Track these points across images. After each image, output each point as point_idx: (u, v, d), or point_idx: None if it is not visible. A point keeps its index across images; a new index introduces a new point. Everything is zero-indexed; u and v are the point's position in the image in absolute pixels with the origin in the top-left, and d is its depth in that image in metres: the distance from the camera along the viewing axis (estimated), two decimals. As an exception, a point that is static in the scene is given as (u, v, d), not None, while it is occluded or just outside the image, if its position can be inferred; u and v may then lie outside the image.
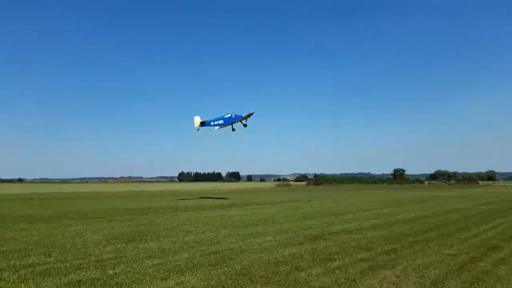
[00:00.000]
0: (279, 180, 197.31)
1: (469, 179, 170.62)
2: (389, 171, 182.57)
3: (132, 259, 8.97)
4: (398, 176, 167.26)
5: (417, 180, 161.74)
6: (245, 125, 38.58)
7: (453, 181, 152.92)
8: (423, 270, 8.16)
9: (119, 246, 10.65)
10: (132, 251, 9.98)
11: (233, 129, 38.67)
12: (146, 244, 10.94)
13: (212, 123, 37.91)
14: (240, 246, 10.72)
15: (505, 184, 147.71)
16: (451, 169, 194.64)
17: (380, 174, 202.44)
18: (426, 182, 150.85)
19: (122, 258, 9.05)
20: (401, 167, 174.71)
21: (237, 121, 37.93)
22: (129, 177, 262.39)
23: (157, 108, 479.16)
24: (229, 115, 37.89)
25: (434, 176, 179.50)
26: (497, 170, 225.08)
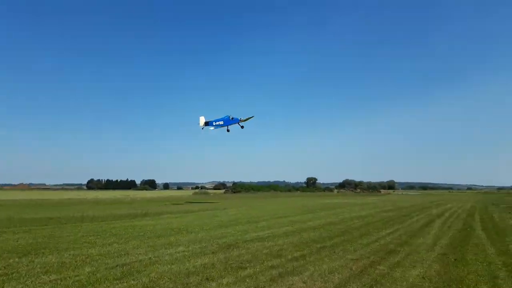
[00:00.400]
0: (197, 188, 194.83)
1: (372, 187, 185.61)
2: (303, 179, 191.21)
3: (25, 275, 8.12)
4: (311, 184, 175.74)
5: (328, 188, 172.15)
6: (242, 127, 41.02)
7: (358, 190, 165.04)
8: (328, 275, 8.60)
9: (11, 261, 9.59)
10: (27, 266, 9.04)
11: (228, 130, 41.33)
12: (43, 258, 9.96)
13: (214, 123, 40.54)
14: (150, 258, 10.28)
15: (403, 193, 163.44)
16: (357, 178, 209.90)
17: (295, 182, 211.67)
18: (336, 190, 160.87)
19: (14, 274, 8.17)
20: (313, 176, 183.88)
21: (235, 123, 40.46)
22: (30, 184, 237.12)
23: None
24: (228, 117, 40.30)
25: (342, 185, 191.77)
26: (396, 180, 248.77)
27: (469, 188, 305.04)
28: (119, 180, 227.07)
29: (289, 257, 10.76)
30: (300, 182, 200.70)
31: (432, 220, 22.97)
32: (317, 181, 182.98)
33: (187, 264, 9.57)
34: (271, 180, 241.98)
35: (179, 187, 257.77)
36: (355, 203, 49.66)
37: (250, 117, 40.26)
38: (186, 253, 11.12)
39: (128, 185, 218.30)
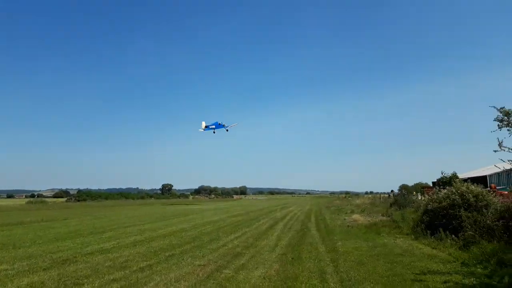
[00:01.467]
0: (32, 196, 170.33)
1: (226, 193, 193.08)
2: (158, 186, 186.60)
3: None
4: (166, 191, 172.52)
5: (183, 194, 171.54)
6: (227, 130, 55.59)
7: (213, 196, 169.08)
8: (174, 284, 8.41)
9: None
10: None
11: (214, 132, 54.59)
12: None
13: (210, 127, 53.33)
14: (-45, 282, 8.41)
15: (253, 197, 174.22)
16: (212, 184, 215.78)
17: (149, 189, 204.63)
18: (191, 197, 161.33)
19: None
20: (169, 182, 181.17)
21: (221, 128, 54.18)
22: None
23: None
24: (217, 122, 54.05)
25: (198, 191, 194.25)
26: (248, 185, 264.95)
27: (308, 192, 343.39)
28: None
29: (135, 268, 10.19)
30: (155, 189, 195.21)
31: (276, 223, 24.99)
32: (173, 188, 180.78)
33: (10, 285, 8.18)
34: (123, 187, 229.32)
35: (9, 195, 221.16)
36: (209, 208, 50.71)
37: (235, 124, 55.85)
38: (10, 272, 9.55)
39: None
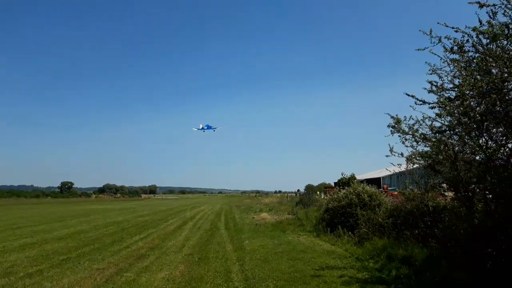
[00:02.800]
0: None
1: (134, 192, 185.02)
2: (57, 183, 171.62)
3: None
4: (66, 189, 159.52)
5: (85, 193, 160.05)
6: (213, 130, 74.80)
7: (119, 195, 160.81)
8: (67, 290, 7.71)
9: None
10: None
11: (204, 131, 72.83)
12: None
13: (203, 128, 71.45)
14: None
15: (163, 197, 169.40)
16: (119, 183, 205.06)
17: (46, 187, 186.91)
18: (94, 196, 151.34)
19: None
20: (69, 180, 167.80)
21: (210, 129, 72.86)
22: None
23: None
24: (208, 125, 72.06)
25: (102, 190, 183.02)
26: (158, 184, 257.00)
27: (220, 192, 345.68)
28: None
29: (21, 274, 9.19)
30: (53, 187, 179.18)
31: (185, 223, 24.56)
32: (73, 186, 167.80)
33: None
34: (15, 184, 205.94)
35: None
36: (113, 208, 47.99)
37: (220, 127, 78.66)
38: None
39: None
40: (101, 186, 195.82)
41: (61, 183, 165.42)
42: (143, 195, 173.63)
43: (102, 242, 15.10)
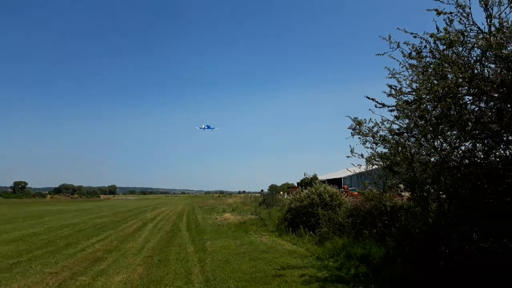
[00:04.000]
0: None
1: (92, 193, 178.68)
2: (9, 183, 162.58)
3: None
4: (19, 189, 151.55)
5: (39, 193, 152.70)
6: (212, 129, 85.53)
7: (76, 195, 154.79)
8: (15, 297, 7.27)
9: None
10: None
11: (204, 130, 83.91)
12: None
13: (204, 127, 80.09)
14: None
15: (123, 198, 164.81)
16: (76, 183, 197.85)
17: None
18: (49, 196, 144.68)
19: None
20: (23, 180, 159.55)
21: (210, 129, 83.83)
22: None
23: None
24: (208, 125, 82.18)
25: (59, 190, 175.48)
26: (118, 184, 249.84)
27: (183, 192, 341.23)
28: None
29: (-36, 281, 8.59)
30: (5, 187, 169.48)
31: (145, 224, 23.96)
32: (27, 186, 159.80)
33: None
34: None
35: None
36: (69, 209, 46.10)
37: (217, 128, 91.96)
38: None
39: None
40: (57, 186, 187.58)
41: (14, 182, 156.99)
42: (102, 196, 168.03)
43: (56, 245, 14.42)
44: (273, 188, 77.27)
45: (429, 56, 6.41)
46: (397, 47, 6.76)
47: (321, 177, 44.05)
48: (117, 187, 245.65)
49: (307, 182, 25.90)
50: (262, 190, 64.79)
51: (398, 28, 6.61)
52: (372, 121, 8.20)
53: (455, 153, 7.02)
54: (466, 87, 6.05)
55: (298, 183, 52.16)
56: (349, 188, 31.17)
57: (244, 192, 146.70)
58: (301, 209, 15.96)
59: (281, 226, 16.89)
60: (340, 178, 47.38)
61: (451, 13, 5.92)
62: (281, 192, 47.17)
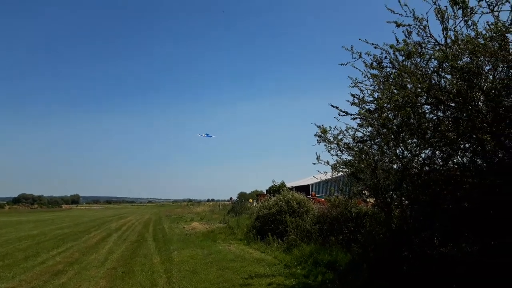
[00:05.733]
0: None
1: (54, 203, 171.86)
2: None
3: None
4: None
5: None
6: (210, 137, 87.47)
7: (36, 205, 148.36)
8: (-35, 316, 6.85)
9: None
10: None
11: (203, 137, 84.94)
12: None
13: (204, 135, 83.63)
14: None
15: (86, 207, 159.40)
16: (37, 192, 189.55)
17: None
18: (7, 207, 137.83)
19: None
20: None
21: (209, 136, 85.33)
22: None
23: None
24: (207, 133, 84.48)
25: (18, 200, 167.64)
26: (81, 194, 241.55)
27: (150, 201, 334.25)
28: None
29: None
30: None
31: (110, 234, 23.26)
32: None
33: None
34: None
35: None
36: (29, 220, 44.09)
37: (214, 136, 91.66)
38: None
39: None
40: (16, 196, 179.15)
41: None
42: (64, 206, 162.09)
43: (14, 257, 13.75)
44: (242, 195, 77.00)
45: (389, 67, 6.63)
46: (359, 57, 6.95)
47: (290, 184, 44.41)
48: (80, 196, 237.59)
49: (276, 190, 26.01)
50: (231, 198, 64.50)
51: (359, 39, 6.80)
52: (337, 129, 8.37)
53: (415, 160, 7.26)
54: (425, 97, 6.29)
55: (267, 191, 52.32)
56: (317, 195, 31.61)
57: (213, 200, 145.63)
58: (270, 217, 16.00)
59: (250, 234, 16.84)
60: (308, 185, 47.92)
61: (409, 25, 6.15)
62: (250, 200, 47.06)
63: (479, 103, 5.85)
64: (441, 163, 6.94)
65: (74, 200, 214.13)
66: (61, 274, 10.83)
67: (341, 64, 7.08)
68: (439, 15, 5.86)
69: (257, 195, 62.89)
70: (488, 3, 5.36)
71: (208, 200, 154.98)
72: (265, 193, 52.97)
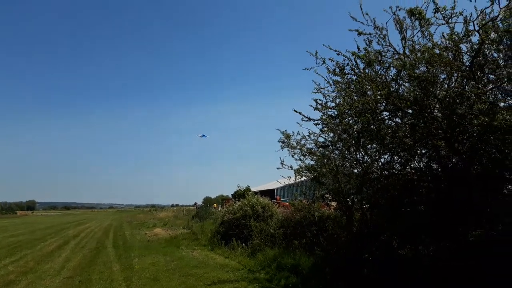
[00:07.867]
0: None
1: (8, 209, 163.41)
2: None
3: None
4: None
5: None
6: (206, 137, 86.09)
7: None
8: None
9: None
10: None
11: (200, 137, 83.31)
12: None
13: (200, 135, 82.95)
14: None
15: (43, 214, 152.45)
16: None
17: None
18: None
19: None
20: None
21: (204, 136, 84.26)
22: None
23: None
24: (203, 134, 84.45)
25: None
26: (37, 199, 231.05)
27: (111, 206, 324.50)
28: None
29: None
30: None
31: (67, 242, 22.30)
32: None
33: None
34: None
35: None
36: (-21, 228, 41.60)
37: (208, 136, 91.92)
38: None
39: None
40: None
41: None
42: (19, 212, 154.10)
43: (-41, 269, 12.89)
44: (207, 200, 76.51)
45: (351, 73, 6.82)
46: (323, 63, 7.09)
47: (255, 188, 44.50)
48: (36, 202, 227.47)
49: (240, 194, 25.95)
50: (195, 203, 63.82)
51: (323, 45, 6.94)
52: (300, 134, 8.48)
53: (375, 165, 7.48)
54: (384, 104, 6.51)
55: (232, 195, 52.16)
56: (282, 199, 31.87)
57: (177, 205, 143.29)
58: (234, 221, 15.93)
59: (214, 239, 16.68)
60: (273, 189, 48.18)
61: (370, 34, 6.36)
62: (215, 205, 46.74)
63: (435, 110, 6.12)
64: (399, 168, 7.19)
65: (30, 206, 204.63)
66: (13, 284, 10.24)
67: (305, 69, 7.19)
68: (398, 25, 6.09)
69: (222, 199, 62.57)
70: (443, 15, 5.63)
71: (172, 206, 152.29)
72: (231, 198, 52.81)
